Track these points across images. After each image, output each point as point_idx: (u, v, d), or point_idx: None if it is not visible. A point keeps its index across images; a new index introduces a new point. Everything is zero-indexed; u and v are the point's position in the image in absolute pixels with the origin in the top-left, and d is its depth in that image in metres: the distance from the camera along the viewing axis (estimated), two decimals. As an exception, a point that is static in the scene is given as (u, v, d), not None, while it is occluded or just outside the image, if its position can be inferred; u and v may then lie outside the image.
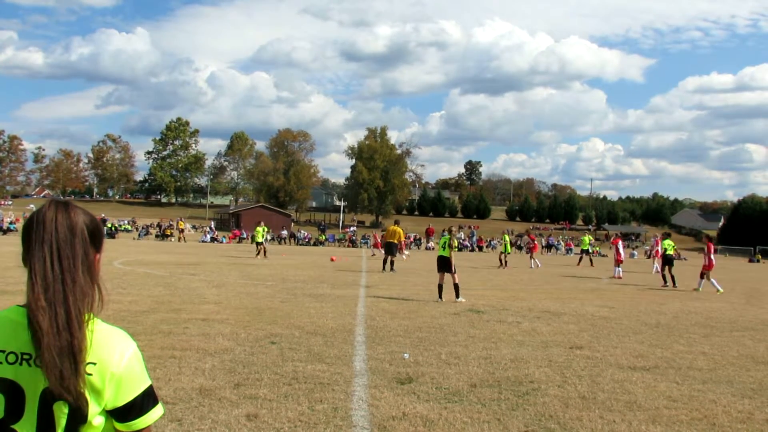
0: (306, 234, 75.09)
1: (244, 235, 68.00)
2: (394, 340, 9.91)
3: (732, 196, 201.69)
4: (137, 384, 1.88)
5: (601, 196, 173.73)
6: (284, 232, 73.93)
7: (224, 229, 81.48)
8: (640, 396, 6.95)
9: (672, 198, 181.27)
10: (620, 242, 29.24)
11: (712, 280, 20.67)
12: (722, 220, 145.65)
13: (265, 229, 35.95)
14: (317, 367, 7.80)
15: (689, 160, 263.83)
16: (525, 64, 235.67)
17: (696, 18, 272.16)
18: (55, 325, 1.76)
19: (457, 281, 15.43)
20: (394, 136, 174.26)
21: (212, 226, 75.72)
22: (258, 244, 34.23)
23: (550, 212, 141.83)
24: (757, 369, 8.63)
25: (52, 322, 1.76)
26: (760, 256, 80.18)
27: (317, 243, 69.25)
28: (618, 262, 27.56)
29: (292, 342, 9.41)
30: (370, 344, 9.46)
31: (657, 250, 34.07)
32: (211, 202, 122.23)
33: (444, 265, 15.54)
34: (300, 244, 68.50)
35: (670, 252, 22.38)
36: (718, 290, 20.22)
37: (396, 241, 26.21)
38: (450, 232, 16.12)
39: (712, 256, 20.97)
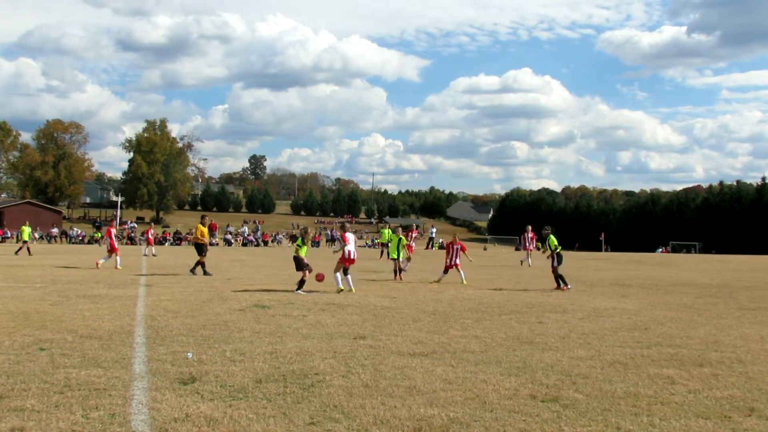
0: (80, 232, 70.77)
1: (8, 234, 62.76)
2: (177, 339, 9.61)
3: (500, 190, 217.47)
4: None
5: (383, 190, 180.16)
6: (54, 230, 69.12)
7: (-15, 228, 74.45)
8: (419, 381, 7.28)
9: (447, 191, 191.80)
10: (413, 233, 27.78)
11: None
12: (491, 211, 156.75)
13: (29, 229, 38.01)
14: (93, 372, 7.37)
15: (462, 156, 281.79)
16: (308, 61, 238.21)
17: (463, 24, 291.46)
18: None
19: (306, 277, 16.75)
20: (175, 129, 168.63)
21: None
22: (24, 242, 36.08)
23: (334, 206, 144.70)
24: (522, 348, 9.37)
25: None
26: (539, 245, 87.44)
27: (92, 241, 65.45)
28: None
29: (64, 347, 8.81)
30: (150, 345, 9.10)
31: (530, 247, 32.96)
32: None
33: (299, 263, 16.88)
34: (73, 243, 64.45)
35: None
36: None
37: (203, 241, 22.76)
38: (306, 232, 17.87)
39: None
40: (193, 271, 22.29)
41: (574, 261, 37.61)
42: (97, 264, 25.00)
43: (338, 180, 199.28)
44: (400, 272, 21.51)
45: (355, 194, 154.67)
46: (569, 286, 18.60)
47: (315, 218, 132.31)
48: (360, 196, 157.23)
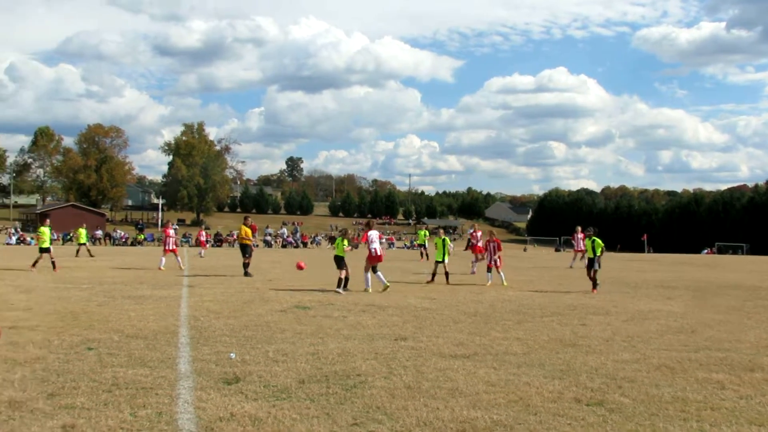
0: (123, 234, 71.90)
1: (54, 236, 64.04)
2: (220, 340, 9.71)
3: (538, 190, 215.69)
4: None
5: (420, 191, 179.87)
6: (99, 232, 70.33)
7: (32, 230, 76.18)
8: (462, 383, 7.25)
9: (485, 192, 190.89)
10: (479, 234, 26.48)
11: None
12: (530, 212, 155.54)
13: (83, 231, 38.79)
14: (139, 371, 7.48)
15: (499, 157, 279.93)
16: (342, 63, 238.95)
17: (496, 23, 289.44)
18: None
19: (344, 276, 17.18)
20: (213, 132, 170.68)
21: (18, 227, 70.55)
22: (80, 245, 37.08)
23: (372, 207, 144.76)
24: (565, 351, 9.27)
25: None
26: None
27: (135, 243, 66.50)
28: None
29: (111, 347, 8.96)
30: (194, 345, 9.21)
31: (580, 247, 31.66)
32: (15, 202, 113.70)
33: (339, 262, 17.36)
34: (117, 245, 65.48)
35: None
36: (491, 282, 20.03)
37: (248, 242, 23.08)
38: (346, 232, 18.46)
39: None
40: (246, 273, 22.29)
41: (616, 262, 37.15)
42: (180, 266, 25.18)
43: (375, 181, 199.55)
44: (447, 276, 20.64)
45: (393, 195, 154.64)
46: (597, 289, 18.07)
47: (353, 219, 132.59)
48: (397, 197, 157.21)
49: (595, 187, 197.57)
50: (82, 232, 38.18)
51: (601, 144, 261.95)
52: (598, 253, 18.25)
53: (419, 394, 6.77)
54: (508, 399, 6.62)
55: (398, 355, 8.74)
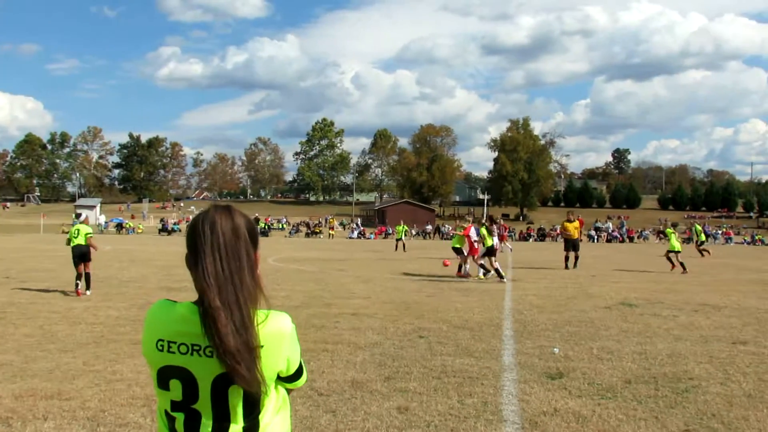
0: (450, 228, 75.26)
1: (390, 231, 69.14)
2: (543, 334, 9.74)
3: None
4: (298, 354, 2.11)
5: (764, 181, 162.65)
6: (429, 227, 74.49)
7: (370, 225, 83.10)
8: (814, 395, 6.47)
9: None
10: None
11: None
12: None
13: (405, 228, 41.35)
14: (466, 361, 7.79)
15: None
16: (676, 46, 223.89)
17: None
18: (232, 325, 1.89)
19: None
20: (537, 127, 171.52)
21: (359, 222, 77.42)
22: (398, 240, 39.43)
23: (707, 200, 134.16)
24: None
25: (229, 322, 1.89)
26: None
27: (462, 237, 69.23)
28: None
29: (440, 336, 9.46)
30: (518, 338, 9.35)
31: None
32: (357, 199, 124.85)
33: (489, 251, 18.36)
34: (445, 239, 68.67)
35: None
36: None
37: (577, 237, 23.40)
38: (484, 222, 19.66)
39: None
40: (574, 265, 22.68)
41: None
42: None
43: (710, 171, 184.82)
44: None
45: (731, 186, 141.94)
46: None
47: (684, 213, 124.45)
48: (736, 188, 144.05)
49: None
50: (399, 228, 40.57)
51: None
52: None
53: (762, 404, 6.17)
54: None
55: (736, 360, 8.05)
